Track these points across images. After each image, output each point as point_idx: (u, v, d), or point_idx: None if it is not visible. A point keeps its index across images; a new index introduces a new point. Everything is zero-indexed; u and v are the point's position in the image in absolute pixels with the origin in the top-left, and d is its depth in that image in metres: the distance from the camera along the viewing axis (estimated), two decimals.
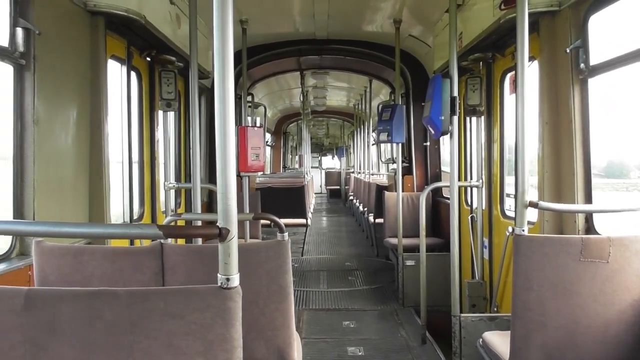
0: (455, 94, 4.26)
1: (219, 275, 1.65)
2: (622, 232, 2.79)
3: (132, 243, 4.16)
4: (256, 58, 7.77)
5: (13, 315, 1.63)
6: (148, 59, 5.00)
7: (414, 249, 6.75)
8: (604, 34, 3.73)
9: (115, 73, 4.37)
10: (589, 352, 2.71)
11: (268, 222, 8.09)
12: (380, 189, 9.15)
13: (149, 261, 2.66)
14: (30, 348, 1.63)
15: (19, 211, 3.09)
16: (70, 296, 1.66)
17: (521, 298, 2.73)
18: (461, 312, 4.39)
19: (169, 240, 2.76)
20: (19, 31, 2.97)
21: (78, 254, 2.60)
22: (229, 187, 1.63)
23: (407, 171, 8.02)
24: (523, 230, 2.85)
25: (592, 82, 3.71)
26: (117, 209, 4.53)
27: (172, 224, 3.91)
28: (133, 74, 4.72)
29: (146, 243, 4.04)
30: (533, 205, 2.96)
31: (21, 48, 2.99)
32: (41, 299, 1.64)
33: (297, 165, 26.44)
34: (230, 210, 1.64)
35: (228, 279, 1.65)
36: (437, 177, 7.74)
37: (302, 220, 9.36)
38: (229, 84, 1.62)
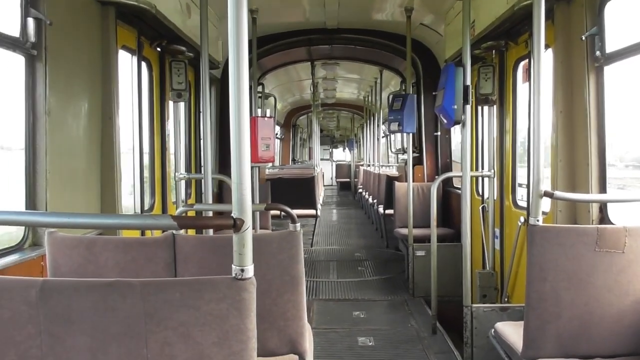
0: (468, 82, 4.22)
1: (233, 266, 1.65)
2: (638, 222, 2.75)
3: (143, 234, 4.17)
4: (266, 48, 7.72)
5: (28, 306, 1.63)
6: (158, 49, 4.98)
7: (424, 239, 6.71)
8: (620, 21, 3.67)
9: (126, 63, 4.36)
10: (602, 342, 2.69)
11: (278, 212, 8.15)
12: (390, 180, 9.11)
13: (161, 252, 2.66)
14: (46, 339, 1.64)
15: (31, 202, 3.10)
16: (85, 287, 1.66)
17: (535, 288, 2.70)
18: (472, 302, 4.37)
19: (181, 230, 2.76)
20: (30, 21, 2.97)
21: (90, 245, 2.61)
22: (244, 177, 1.62)
23: (417, 161, 7.98)
24: (538, 221, 2.81)
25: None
26: (128, 200, 4.55)
27: (184, 214, 3.92)
28: (144, 65, 4.71)
29: (157, 234, 4.05)
30: (548, 195, 2.92)
31: (32, 38, 2.99)
32: (56, 290, 1.65)
33: (306, 158, 26.37)
34: (244, 200, 1.62)
35: (242, 270, 1.64)
36: (448, 167, 7.69)
37: (312, 211, 9.35)
38: (244, 74, 1.60)
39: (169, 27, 4.47)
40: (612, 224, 3.59)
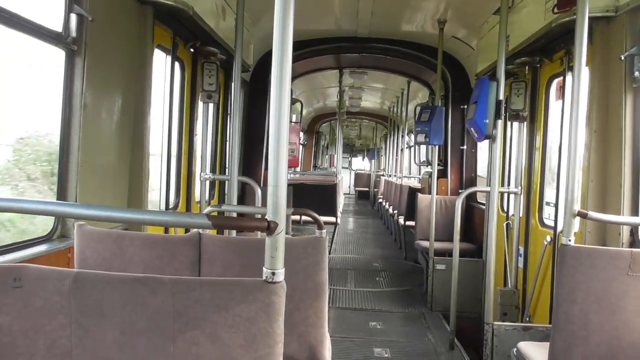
0: (502, 97, 4.16)
1: (264, 269, 1.64)
2: None
3: (166, 231, 4.20)
4: (295, 54, 7.73)
5: (61, 296, 1.65)
6: (192, 50, 5.04)
7: (444, 253, 6.66)
8: None
9: (160, 62, 4.41)
10: None
11: (297, 217, 8.13)
12: (413, 192, 9.06)
13: (187, 250, 2.67)
14: (76, 330, 1.65)
15: (62, 193, 3.14)
16: (117, 281, 1.67)
17: (563, 310, 2.64)
18: (492, 320, 4.29)
19: (207, 230, 2.77)
20: (73, 17, 3.02)
21: (118, 239, 2.63)
22: (281, 181, 1.62)
23: (441, 174, 7.90)
24: (569, 241, 2.75)
25: None
26: (153, 197, 4.58)
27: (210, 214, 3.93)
28: (177, 65, 4.76)
29: (180, 232, 4.07)
30: (582, 215, 2.86)
31: (74, 33, 3.04)
32: (89, 282, 1.66)
33: (327, 165, 26.35)
34: (280, 204, 1.62)
35: (274, 273, 1.63)
36: (472, 181, 7.61)
37: (332, 219, 9.33)
38: (286, 81, 1.60)
39: (203, 29, 4.51)
40: None
